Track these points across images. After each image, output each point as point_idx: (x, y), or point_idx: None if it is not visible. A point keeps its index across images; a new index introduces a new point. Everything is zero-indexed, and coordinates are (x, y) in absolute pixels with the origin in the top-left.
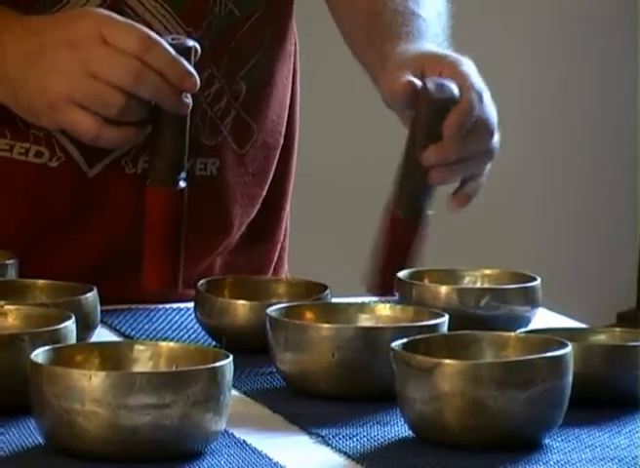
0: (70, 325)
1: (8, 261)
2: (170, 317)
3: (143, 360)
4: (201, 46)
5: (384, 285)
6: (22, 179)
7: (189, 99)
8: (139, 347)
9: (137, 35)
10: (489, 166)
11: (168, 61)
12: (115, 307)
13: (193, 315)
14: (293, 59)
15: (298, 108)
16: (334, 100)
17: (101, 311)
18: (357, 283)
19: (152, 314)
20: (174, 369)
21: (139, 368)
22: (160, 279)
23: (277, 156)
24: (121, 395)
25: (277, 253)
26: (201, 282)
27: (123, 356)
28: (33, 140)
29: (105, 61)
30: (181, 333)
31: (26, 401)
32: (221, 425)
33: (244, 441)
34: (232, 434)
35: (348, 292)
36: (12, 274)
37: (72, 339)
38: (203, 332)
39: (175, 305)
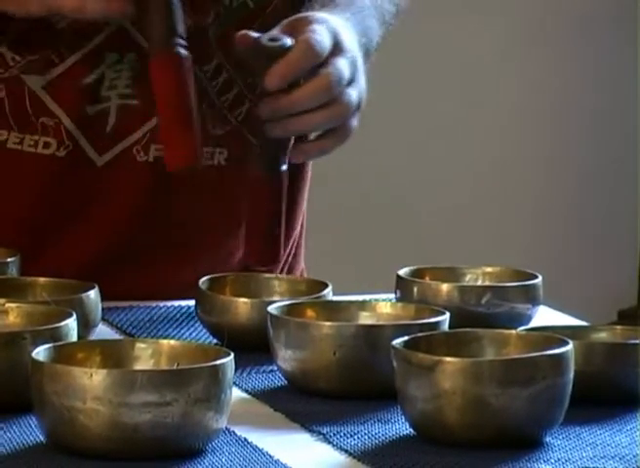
0: (71, 322)
1: (9, 259)
2: (171, 314)
3: (145, 358)
4: (209, 35)
5: (257, 252)
6: (34, 172)
7: None
8: (140, 345)
9: None
10: (345, 131)
11: None
12: (117, 304)
13: (194, 312)
14: None
15: None
16: None
17: (103, 309)
18: (358, 280)
19: (153, 311)
20: (175, 367)
21: (140, 365)
22: (181, 154)
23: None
24: (122, 393)
25: (292, 251)
26: (202, 279)
27: (124, 354)
28: (42, 132)
29: None
30: (183, 331)
31: (27, 399)
32: (222, 423)
33: (245, 439)
34: (233, 432)
35: (349, 290)
36: (13, 272)
37: (73, 337)
38: (204, 330)
39: (176, 303)
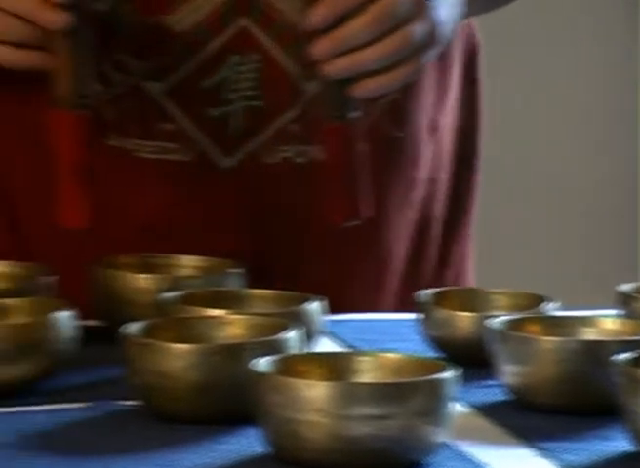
0: (294, 334)
1: (232, 270)
2: (393, 328)
3: (366, 371)
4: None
5: (337, 208)
6: (159, 178)
7: (65, 13)
8: (361, 358)
9: None
10: (411, 67)
11: None
12: (339, 317)
13: (417, 326)
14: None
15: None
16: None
17: (325, 321)
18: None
19: (376, 325)
20: (396, 380)
21: (361, 378)
22: (71, 216)
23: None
24: (343, 405)
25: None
26: (425, 292)
27: (346, 366)
28: (164, 138)
29: None
30: (405, 345)
31: (248, 410)
32: (443, 437)
33: (465, 453)
34: (454, 446)
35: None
36: (237, 283)
37: (295, 349)
38: (426, 344)
39: (398, 316)
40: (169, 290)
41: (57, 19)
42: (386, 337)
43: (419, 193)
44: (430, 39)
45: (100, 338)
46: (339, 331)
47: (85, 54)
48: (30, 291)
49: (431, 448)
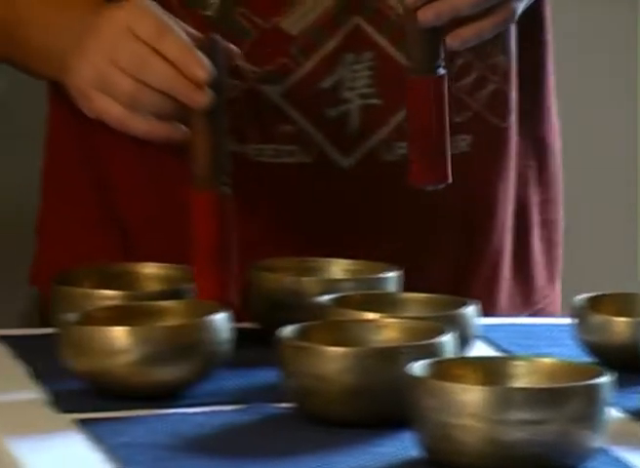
0: (449, 338)
1: (389, 275)
2: (548, 332)
3: (521, 375)
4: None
5: (422, 169)
6: (280, 182)
7: (208, 93)
8: (516, 362)
9: (153, 22)
10: (504, 13)
11: (179, 49)
12: (493, 321)
13: (572, 331)
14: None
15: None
16: None
17: (479, 325)
18: None
19: (530, 329)
20: (552, 385)
21: (516, 383)
22: (209, 294)
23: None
24: (499, 410)
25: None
26: (580, 297)
27: (501, 371)
28: (282, 140)
29: (117, 46)
30: (560, 349)
31: (403, 413)
32: (599, 443)
33: (621, 458)
34: (610, 451)
35: None
36: (392, 286)
37: (451, 353)
38: (582, 349)
39: (554, 320)
40: (323, 292)
41: (202, 99)
42: (541, 342)
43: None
44: None
45: (255, 341)
46: (493, 336)
47: (223, 132)
48: (185, 292)
49: (587, 454)
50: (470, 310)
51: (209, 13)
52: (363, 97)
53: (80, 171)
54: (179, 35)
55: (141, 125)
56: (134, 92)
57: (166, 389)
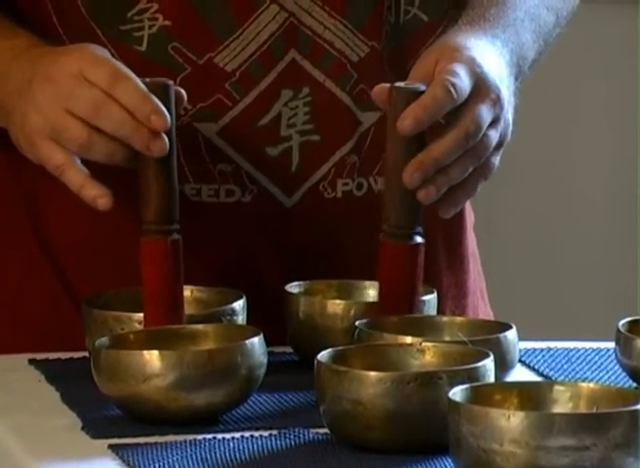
0: (489, 363)
1: (426, 297)
2: (589, 357)
3: (563, 400)
4: (383, 58)
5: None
6: (220, 222)
7: (164, 141)
8: (558, 387)
9: (107, 69)
10: (485, 169)
11: (135, 97)
12: (534, 346)
13: (613, 356)
14: None
15: None
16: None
17: (519, 349)
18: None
19: (571, 354)
20: (594, 410)
21: (558, 408)
22: None
23: None
24: (540, 436)
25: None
26: (622, 322)
27: (542, 396)
28: (221, 180)
29: (72, 94)
30: (601, 374)
31: (442, 439)
32: None
33: None
34: None
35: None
36: (430, 310)
37: (490, 378)
38: (624, 374)
39: (595, 345)
40: (359, 316)
41: (160, 147)
42: (581, 367)
43: None
44: (503, 140)
45: (291, 364)
46: (533, 360)
47: (174, 178)
48: (218, 316)
49: None
50: (510, 334)
51: (142, 48)
52: (302, 133)
53: (18, 211)
54: (134, 81)
55: (77, 178)
56: (87, 139)
57: (200, 414)
